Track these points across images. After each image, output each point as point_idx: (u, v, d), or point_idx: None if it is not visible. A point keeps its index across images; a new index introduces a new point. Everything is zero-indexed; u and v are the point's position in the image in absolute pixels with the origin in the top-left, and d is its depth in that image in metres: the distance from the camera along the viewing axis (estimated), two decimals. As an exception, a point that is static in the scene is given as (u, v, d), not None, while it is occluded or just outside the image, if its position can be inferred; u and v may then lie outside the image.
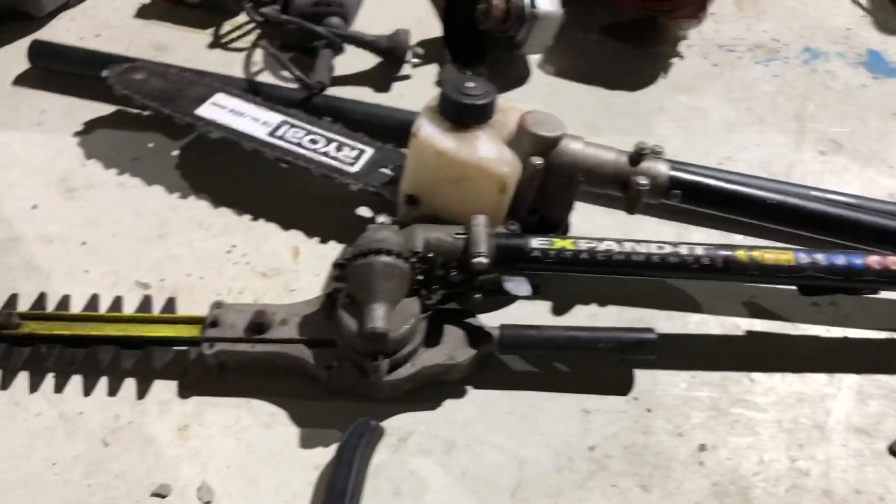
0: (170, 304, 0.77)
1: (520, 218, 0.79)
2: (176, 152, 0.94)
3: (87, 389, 0.73)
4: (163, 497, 0.67)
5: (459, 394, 0.75)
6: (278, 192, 0.90)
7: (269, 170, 0.88)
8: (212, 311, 0.74)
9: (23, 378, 0.73)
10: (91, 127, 0.97)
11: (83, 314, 0.75)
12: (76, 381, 0.74)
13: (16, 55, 1.04)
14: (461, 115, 0.75)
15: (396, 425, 0.72)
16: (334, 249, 0.86)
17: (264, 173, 0.90)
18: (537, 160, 0.76)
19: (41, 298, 0.77)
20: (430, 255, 0.71)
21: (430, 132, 0.75)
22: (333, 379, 0.72)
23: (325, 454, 0.70)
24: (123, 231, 0.86)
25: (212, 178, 0.92)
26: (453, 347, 0.73)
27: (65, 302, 0.77)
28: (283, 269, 0.84)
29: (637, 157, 0.78)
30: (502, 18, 1.00)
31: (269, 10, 1.04)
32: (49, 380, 0.73)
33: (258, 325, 0.72)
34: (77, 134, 0.96)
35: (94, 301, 0.77)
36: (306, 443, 0.71)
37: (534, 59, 1.09)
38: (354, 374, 0.71)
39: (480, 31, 1.03)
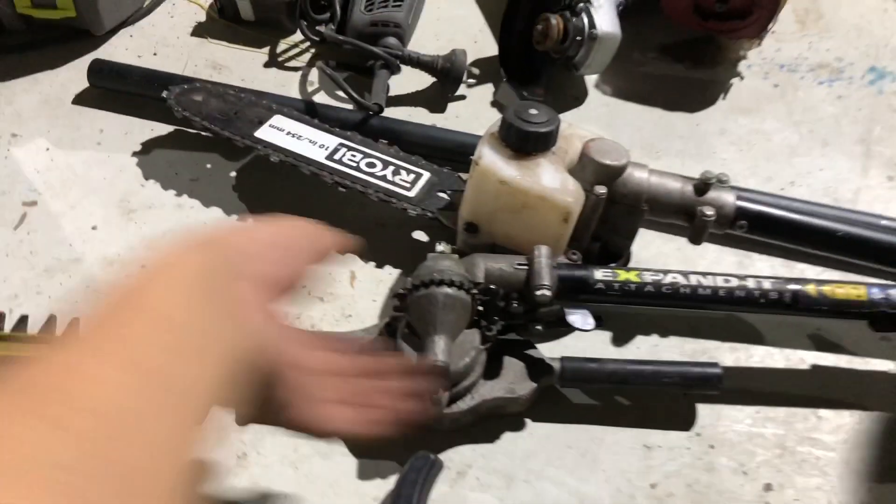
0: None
1: (581, 247, 0.77)
2: (233, 173, 0.94)
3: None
4: (222, 527, 0.67)
5: (518, 427, 0.73)
6: (333, 216, 0.88)
7: (324, 192, 0.88)
8: None
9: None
10: (149, 147, 0.97)
11: None
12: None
13: (76, 73, 1.05)
14: (524, 142, 0.74)
15: (455, 458, 0.71)
16: (390, 274, 0.85)
17: (319, 196, 0.90)
18: (601, 189, 0.74)
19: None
20: (492, 286, 0.70)
21: (492, 160, 0.74)
22: None
23: (383, 486, 0.69)
24: (182, 253, 0.86)
25: (268, 200, 0.92)
26: (513, 381, 0.72)
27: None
28: (339, 294, 0.83)
29: (703, 186, 0.76)
30: (561, 39, 0.98)
31: (326, 30, 1.04)
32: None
33: None
34: (135, 154, 0.97)
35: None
36: (365, 474, 0.70)
37: (590, 78, 1.08)
38: None
39: (537, 50, 1.02)
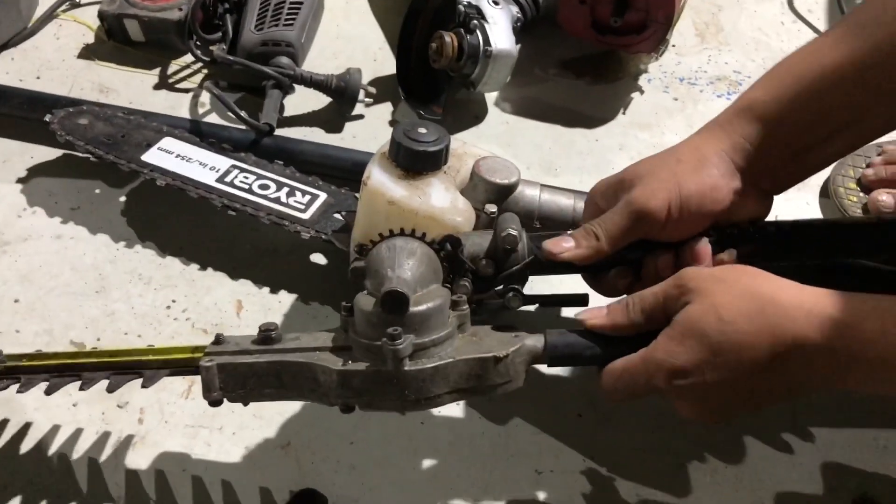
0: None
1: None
2: (121, 199, 0.90)
3: None
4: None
5: (411, 460, 0.71)
6: (225, 242, 0.87)
7: (217, 218, 0.84)
8: (218, 335, 0.64)
9: None
10: (30, 175, 0.93)
11: (76, 352, 0.68)
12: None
13: (-50, 100, 1.00)
14: (413, 162, 0.72)
15: (340, 493, 0.68)
16: (280, 302, 0.82)
17: (212, 221, 0.87)
18: (492, 208, 0.73)
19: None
20: (452, 235, 0.65)
21: (380, 180, 0.72)
22: (347, 380, 0.58)
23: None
24: (59, 286, 0.82)
25: (156, 228, 0.88)
26: (489, 344, 0.61)
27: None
28: (225, 325, 0.80)
29: (596, 200, 0.75)
30: (456, 57, 0.97)
31: (216, 50, 1.00)
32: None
33: (267, 335, 0.62)
34: (14, 182, 0.92)
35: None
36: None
37: (490, 96, 1.06)
38: (371, 371, 0.58)
39: (435, 69, 1.00)
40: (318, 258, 0.86)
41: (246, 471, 0.70)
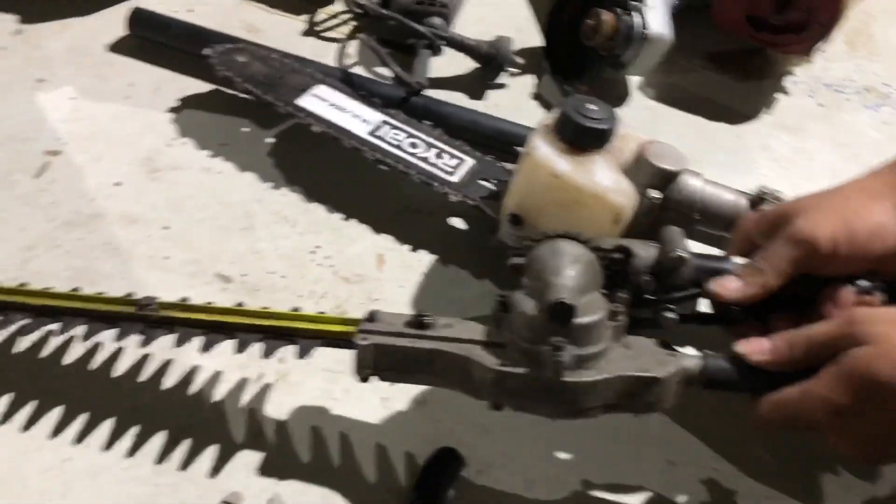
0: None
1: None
2: (268, 140, 0.91)
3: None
4: (234, 506, 0.64)
5: (545, 430, 0.71)
6: (370, 195, 0.87)
7: (362, 170, 0.85)
8: (369, 311, 0.65)
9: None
10: (180, 105, 0.94)
11: (228, 308, 0.67)
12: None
13: (106, 22, 1.02)
14: (580, 137, 0.72)
15: (474, 455, 0.68)
16: (420, 261, 0.82)
17: (357, 173, 0.87)
18: (655, 194, 0.72)
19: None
20: (623, 244, 0.64)
21: (545, 152, 0.72)
22: (503, 381, 0.58)
23: (402, 480, 0.67)
24: (207, 219, 0.83)
25: (301, 173, 0.88)
26: (646, 362, 0.59)
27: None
28: (366, 277, 0.80)
29: (758, 201, 0.74)
30: (611, 36, 0.95)
31: (369, 3, 1.01)
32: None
33: (420, 319, 0.62)
34: (165, 111, 0.93)
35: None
36: (383, 467, 0.68)
37: (634, 80, 1.05)
38: (529, 377, 0.58)
39: (584, 46, 0.99)
40: (457, 222, 0.86)
41: (381, 422, 0.70)
